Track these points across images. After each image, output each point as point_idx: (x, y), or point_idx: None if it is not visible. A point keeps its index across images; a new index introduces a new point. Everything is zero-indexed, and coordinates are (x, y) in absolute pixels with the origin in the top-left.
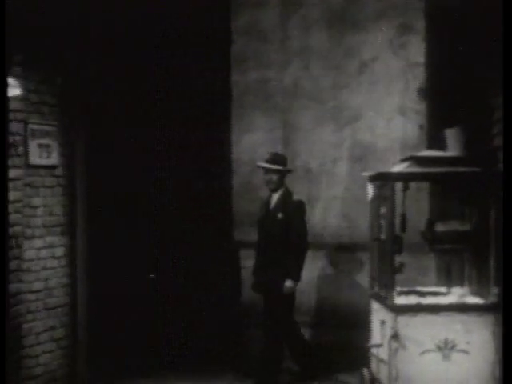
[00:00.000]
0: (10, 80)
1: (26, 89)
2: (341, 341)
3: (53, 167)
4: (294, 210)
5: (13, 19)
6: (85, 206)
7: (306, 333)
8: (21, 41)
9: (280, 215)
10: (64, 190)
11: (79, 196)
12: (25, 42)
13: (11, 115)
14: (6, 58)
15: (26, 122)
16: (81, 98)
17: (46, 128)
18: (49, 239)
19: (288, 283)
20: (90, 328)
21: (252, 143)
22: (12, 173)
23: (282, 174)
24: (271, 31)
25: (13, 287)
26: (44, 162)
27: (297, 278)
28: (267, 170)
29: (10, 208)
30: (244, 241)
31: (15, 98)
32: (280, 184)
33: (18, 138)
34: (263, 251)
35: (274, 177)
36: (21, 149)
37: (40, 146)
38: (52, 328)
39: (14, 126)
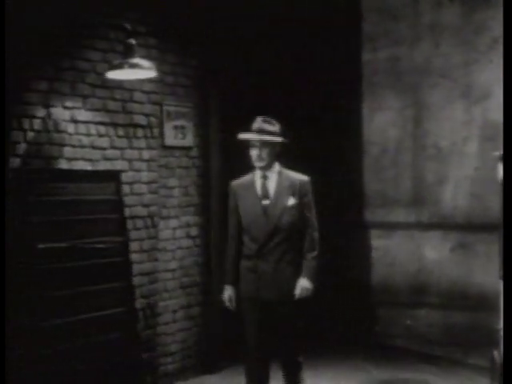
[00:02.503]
0: (146, 62)
1: (161, 71)
2: (470, 322)
3: (188, 148)
4: (307, 194)
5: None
6: (219, 187)
7: (435, 315)
8: (156, 24)
9: (291, 201)
10: (199, 170)
11: (213, 176)
12: (160, 25)
13: (146, 97)
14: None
15: (161, 104)
16: (215, 79)
17: (182, 109)
18: (184, 219)
19: (304, 283)
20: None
21: (383, 123)
22: (147, 154)
23: (276, 148)
24: (402, 8)
25: (149, 266)
26: (179, 143)
27: (314, 279)
28: (253, 143)
29: (146, 188)
30: (375, 221)
31: (151, 80)
32: (273, 160)
33: (153, 119)
34: (264, 249)
35: (264, 151)
36: (156, 130)
37: (175, 127)
38: (187, 306)
39: (149, 108)
